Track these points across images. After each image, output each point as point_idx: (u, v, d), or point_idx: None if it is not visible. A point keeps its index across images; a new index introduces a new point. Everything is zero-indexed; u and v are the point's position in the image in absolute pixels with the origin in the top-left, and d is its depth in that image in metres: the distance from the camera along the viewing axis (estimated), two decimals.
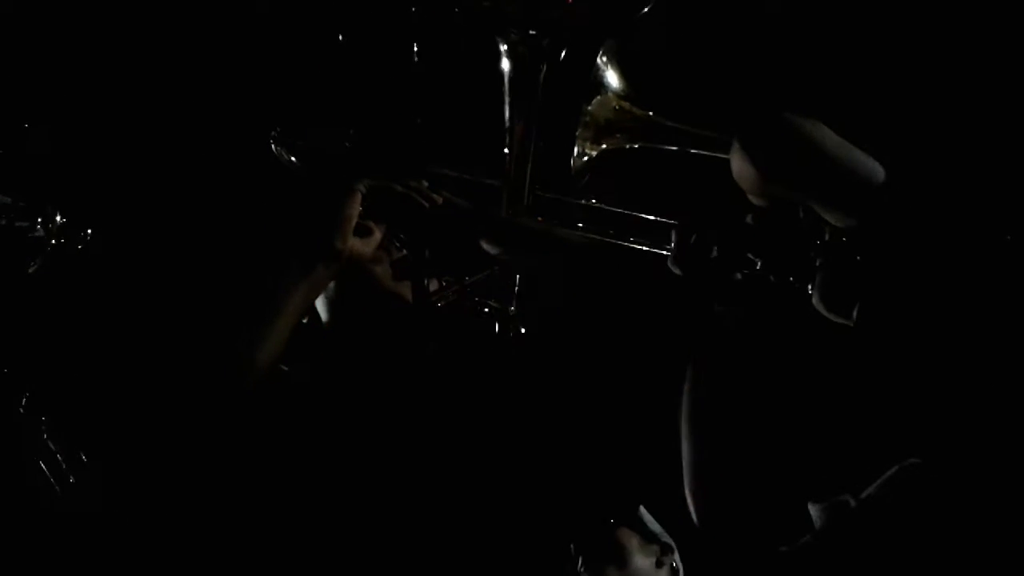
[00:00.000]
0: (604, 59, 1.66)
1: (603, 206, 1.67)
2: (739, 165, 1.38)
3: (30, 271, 1.90)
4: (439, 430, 1.65)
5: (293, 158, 1.80)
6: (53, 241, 1.92)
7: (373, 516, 1.57)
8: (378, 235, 1.69)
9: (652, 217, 1.63)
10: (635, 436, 1.71)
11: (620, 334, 1.75)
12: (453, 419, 1.67)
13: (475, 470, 1.63)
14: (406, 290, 1.71)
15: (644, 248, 1.62)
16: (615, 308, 1.73)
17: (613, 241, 1.65)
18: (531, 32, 1.61)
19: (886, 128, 1.64)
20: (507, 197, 1.65)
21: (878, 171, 1.34)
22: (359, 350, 1.74)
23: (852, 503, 1.31)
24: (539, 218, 1.67)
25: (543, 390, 1.74)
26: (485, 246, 1.66)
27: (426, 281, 1.71)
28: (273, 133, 1.80)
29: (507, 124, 1.62)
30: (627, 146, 1.69)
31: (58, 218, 1.95)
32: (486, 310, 1.75)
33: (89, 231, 1.95)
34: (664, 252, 1.61)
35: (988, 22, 1.75)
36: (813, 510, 1.36)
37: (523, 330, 1.73)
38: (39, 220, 1.93)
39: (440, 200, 1.69)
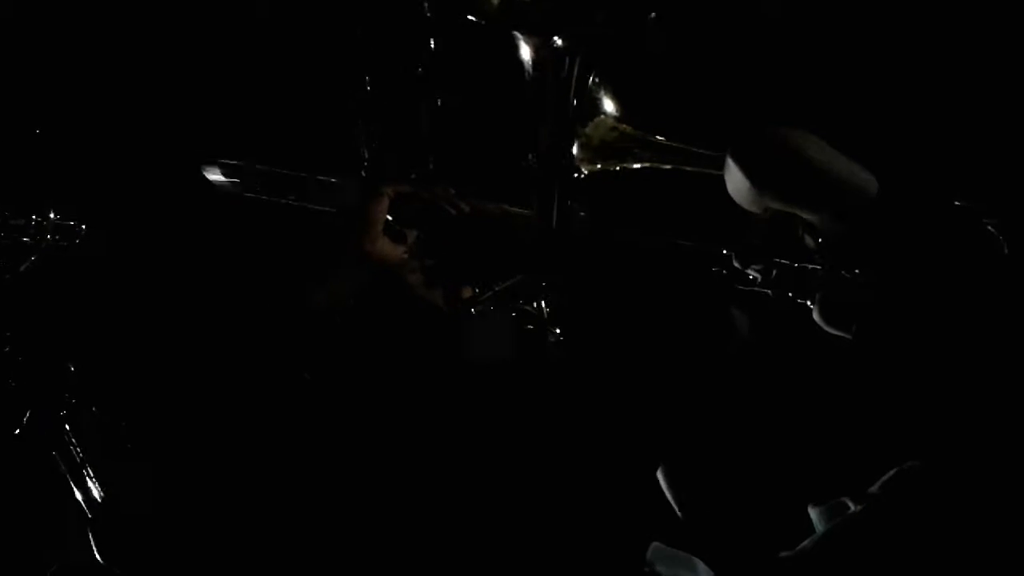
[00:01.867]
0: (596, 81, 1.69)
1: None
2: (732, 181, 1.44)
3: (22, 268, 1.90)
4: (469, 434, 1.66)
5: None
6: (48, 236, 1.92)
7: (400, 519, 1.59)
8: (408, 240, 1.71)
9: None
10: (661, 441, 1.73)
11: (651, 340, 1.77)
12: (485, 423, 1.68)
13: (503, 474, 1.65)
14: (439, 297, 1.72)
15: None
16: (646, 314, 1.76)
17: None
18: (557, 41, 1.66)
19: (880, 135, 1.68)
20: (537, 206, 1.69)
21: (870, 180, 1.39)
22: (392, 356, 1.74)
23: (851, 506, 1.35)
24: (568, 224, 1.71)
25: (575, 394, 1.77)
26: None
27: (458, 287, 1.73)
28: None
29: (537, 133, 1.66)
30: (623, 166, 1.73)
31: (52, 215, 1.94)
32: (518, 315, 1.76)
33: (84, 227, 1.94)
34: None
35: (985, 31, 1.78)
36: (813, 513, 1.40)
37: (556, 334, 1.75)
38: (33, 217, 1.92)
39: (467, 208, 1.71)
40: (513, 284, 1.71)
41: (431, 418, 1.69)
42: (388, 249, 1.67)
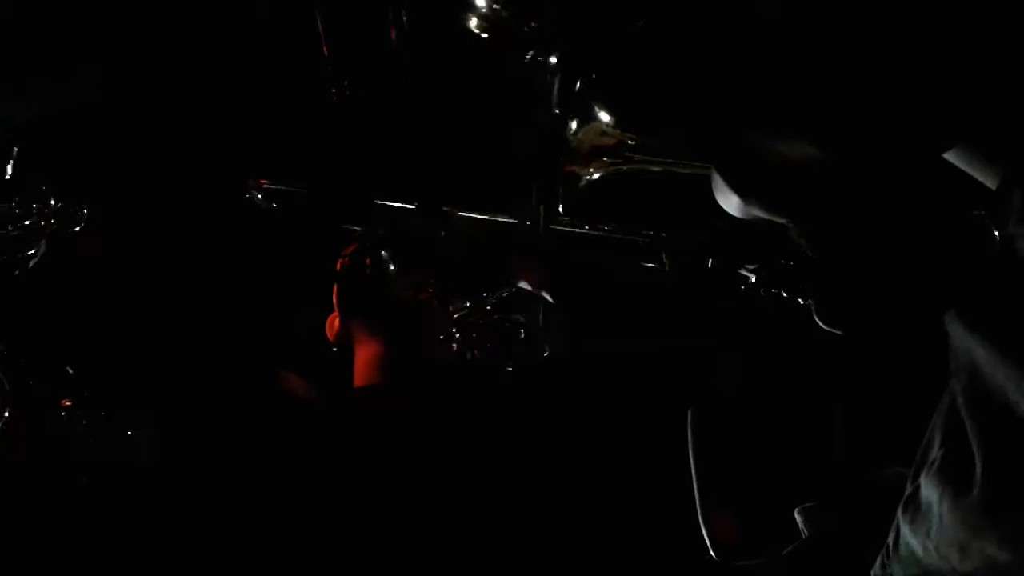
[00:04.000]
0: (586, 87, 1.69)
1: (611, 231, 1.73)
2: (719, 191, 1.38)
3: (31, 262, 1.92)
4: (462, 448, 1.71)
5: (273, 204, 1.86)
6: (52, 221, 1.93)
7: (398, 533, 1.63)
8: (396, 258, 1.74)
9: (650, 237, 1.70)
10: (657, 454, 1.79)
11: (644, 349, 1.81)
12: (477, 437, 1.74)
13: (496, 488, 1.70)
14: (430, 309, 1.78)
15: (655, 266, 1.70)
16: (638, 323, 1.80)
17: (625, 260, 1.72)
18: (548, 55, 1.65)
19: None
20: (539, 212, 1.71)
21: (851, 183, 1.33)
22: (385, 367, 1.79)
23: (834, 512, 1.42)
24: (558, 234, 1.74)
25: (566, 405, 1.82)
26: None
27: (449, 300, 1.78)
28: (249, 181, 1.84)
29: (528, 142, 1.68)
30: (614, 170, 1.74)
31: (52, 202, 1.95)
32: (509, 326, 1.81)
33: (85, 211, 1.95)
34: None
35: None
36: (798, 517, 1.45)
37: (547, 346, 1.79)
38: (34, 206, 1.93)
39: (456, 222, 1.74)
40: (505, 296, 1.75)
41: (425, 428, 1.73)
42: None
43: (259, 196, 1.87)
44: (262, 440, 1.67)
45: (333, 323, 1.89)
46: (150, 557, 1.62)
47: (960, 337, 1.04)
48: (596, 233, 1.75)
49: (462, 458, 1.71)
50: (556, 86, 1.71)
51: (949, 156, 1.33)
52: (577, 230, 1.77)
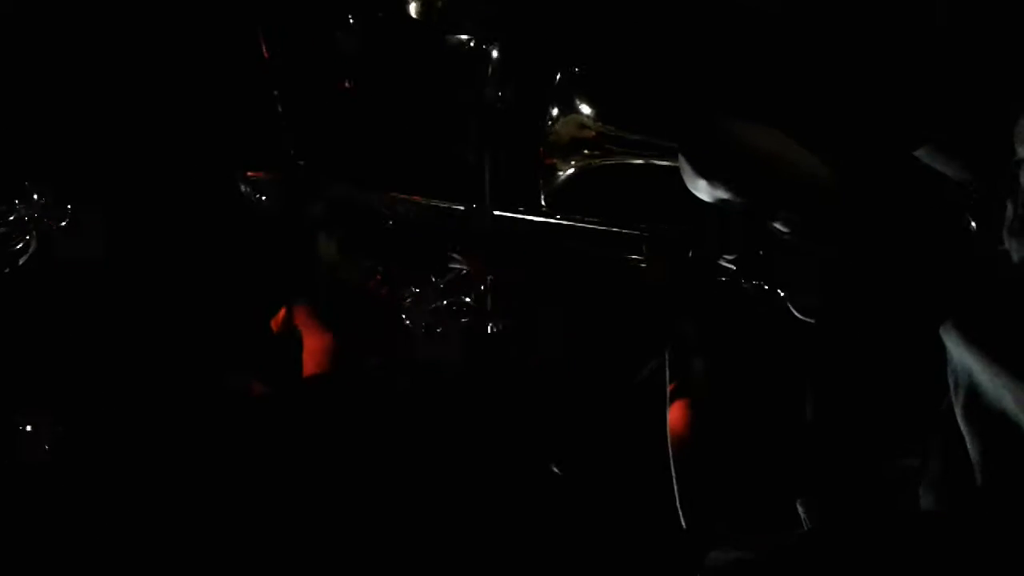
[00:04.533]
0: (564, 80, 1.76)
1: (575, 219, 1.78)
2: (684, 173, 1.46)
3: (22, 258, 1.92)
4: (416, 431, 1.72)
5: (262, 196, 1.89)
6: (36, 214, 1.93)
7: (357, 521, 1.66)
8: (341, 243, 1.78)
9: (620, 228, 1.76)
10: (615, 435, 1.80)
11: (596, 331, 1.84)
12: (430, 419, 1.75)
13: (452, 470, 1.71)
14: (378, 294, 1.80)
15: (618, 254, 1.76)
16: (590, 305, 1.84)
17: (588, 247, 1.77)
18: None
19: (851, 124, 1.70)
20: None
21: (828, 170, 1.42)
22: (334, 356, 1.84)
23: (833, 506, 1.41)
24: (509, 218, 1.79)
25: (519, 387, 1.83)
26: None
27: (398, 285, 1.80)
28: (238, 173, 1.87)
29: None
30: (594, 162, 1.80)
31: (35, 196, 1.96)
32: (458, 310, 1.82)
33: (69, 207, 1.96)
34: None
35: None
36: (800, 508, 1.45)
37: (498, 328, 1.82)
38: (16, 203, 1.94)
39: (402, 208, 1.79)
40: (454, 278, 1.79)
41: (376, 418, 1.77)
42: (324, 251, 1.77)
43: (247, 188, 1.91)
44: (211, 434, 1.69)
45: (279, 313, 1.91)
46: (105, 551, 1.64)
47: (957, 349, 1.08)
48: (577, 225, 1.80)
49: (417, 448, 1.72)
50: (497, 72, 1.77)
51: (937, 163, 1.41)
52: (553, 221, 1.82)
